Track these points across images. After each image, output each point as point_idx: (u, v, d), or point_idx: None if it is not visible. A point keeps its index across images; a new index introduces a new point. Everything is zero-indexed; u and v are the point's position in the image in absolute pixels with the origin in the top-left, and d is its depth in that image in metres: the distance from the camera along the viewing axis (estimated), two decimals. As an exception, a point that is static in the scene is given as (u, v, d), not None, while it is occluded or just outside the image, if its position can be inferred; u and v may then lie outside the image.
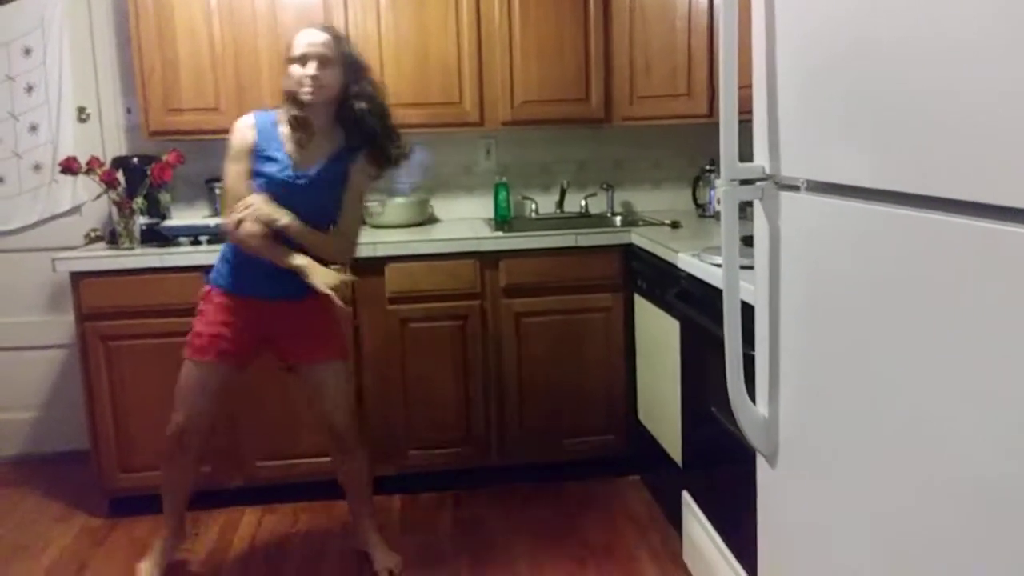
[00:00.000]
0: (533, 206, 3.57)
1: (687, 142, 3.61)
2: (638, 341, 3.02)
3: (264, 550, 2.74)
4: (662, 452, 2.77)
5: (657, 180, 3.69)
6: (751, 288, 1.70)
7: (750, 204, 1.65)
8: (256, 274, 2.34)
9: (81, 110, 3.42)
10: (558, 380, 3.08)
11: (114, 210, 3.02)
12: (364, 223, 2.68)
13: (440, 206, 3.58)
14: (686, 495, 2.49)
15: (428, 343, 3.00)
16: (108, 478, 2.94)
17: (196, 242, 2.94)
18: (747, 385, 1.63)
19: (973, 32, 0.99)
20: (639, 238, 2.95)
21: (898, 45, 1.15)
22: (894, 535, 1.22)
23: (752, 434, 1.65)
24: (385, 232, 3.18)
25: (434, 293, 2.98)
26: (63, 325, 3.36)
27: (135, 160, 3.11)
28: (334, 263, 2.39)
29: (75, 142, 3.36)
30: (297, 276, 2.30)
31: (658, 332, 2.75)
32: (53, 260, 2.83)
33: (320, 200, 2.34)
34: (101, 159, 3.02)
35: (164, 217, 3.15)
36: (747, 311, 1.66)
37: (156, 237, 2.97)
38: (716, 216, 3.32)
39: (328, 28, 2.34)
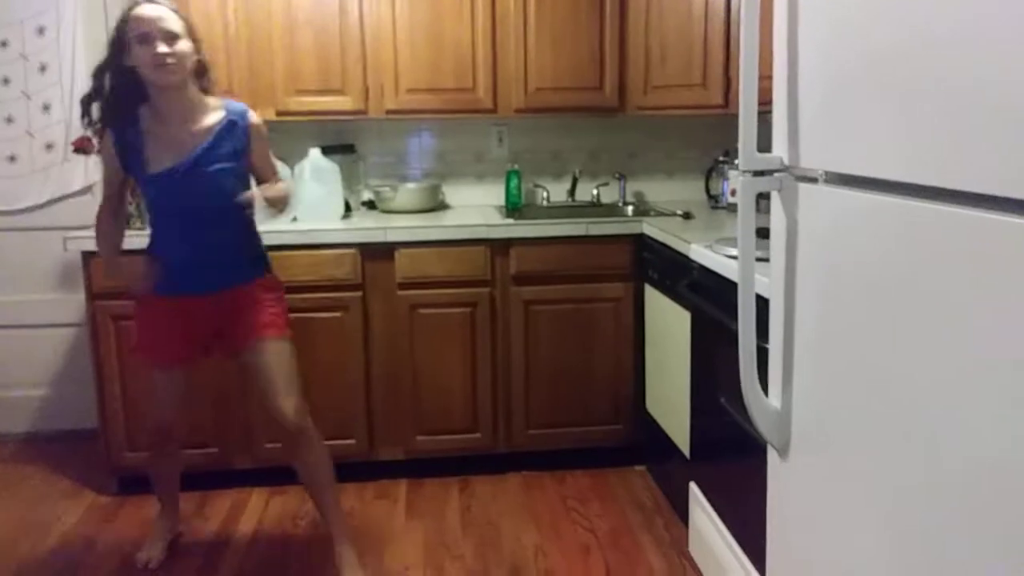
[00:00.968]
0: (545, 194, 3.56)
1: (701, 133, 3.59)
2: (648, 331, 3.02)
3: (271, 532, 2.76)
4: (670, 443, 2.77)
5: (670, 170, 3.67)
6: (765, 280, 1.69)
7: (766, 196, 1.64)
8: (176, 270, 2.25)
9: (94, 90, 3.42)
10: (566, 368, 3.08)
11: (126, 190, 3.02)
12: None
13: (451, 192, 3.58)
14: (693, 486, 2.49)
15: (437, 329, 3.00)
16: (117, 456, 2.96)
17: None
18: (759, 377, 1.63)
19: (1006, 21, 0.98)
20: (651, 228, 2.94)
21: (926, 35, 1.14)
22: (905, 529, 1.22)
23: (764, 426, 1.65)
24: (396, 218, 3.18)
25: (444, 279, 2.97)
26: (74, 304, 3.38)
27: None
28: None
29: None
30: (220, 268, 2.26)
31: (668, 323, 2.74)
32: (64, 239, 2.84)
33: (202, 188, 2.18)
34: (114, 139, 3.02)
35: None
36: (759, 304, 1.66)
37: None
38: (729, 208, 3.31)
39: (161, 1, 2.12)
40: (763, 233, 1.66)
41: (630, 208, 3.51)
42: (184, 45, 2.10)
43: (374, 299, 2.97)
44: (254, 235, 2.39)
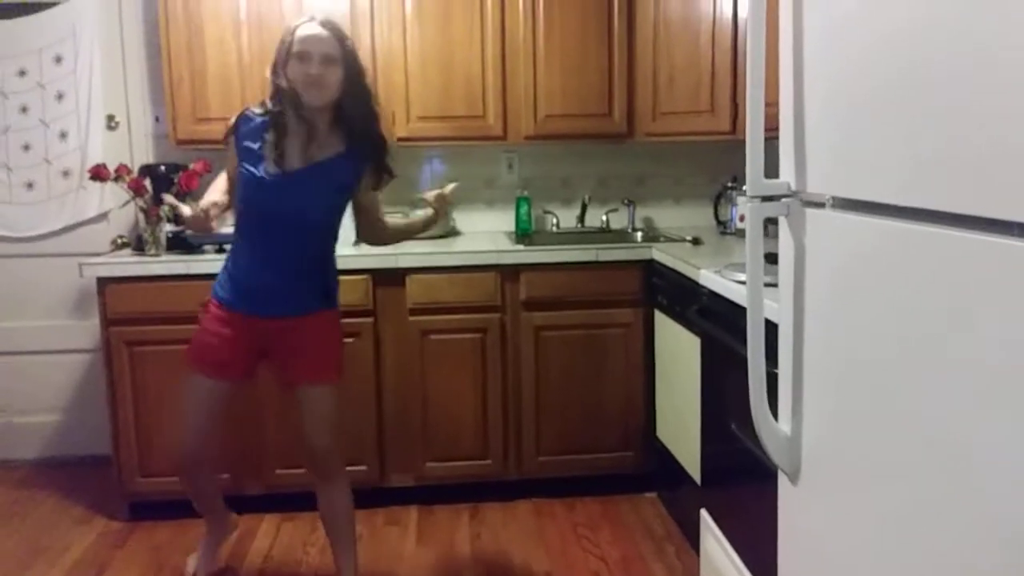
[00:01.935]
0: (554, 220, 3.58)
1: (709, 159, 3.61)
2: (658, 357, 3.02)
3: (280, 559, 2.75)
4: (680, 469, 2.75)
5: (678, 196, 3.69)
6: (774, 306, 1.69)
7: (774, 221, 1.64)
8: (250, 288, 2.27)
9: (110, 118, 3.47)
10: (576, 394, 3.07)
11: (141, 217, 3.06)
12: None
13: (462, 219, 3.60)
14: (704, 513, 2.47)
15: (448, 355, 3.01)
16: (129, 482, 2.96)
17: (221, 250, 2.97)
18: (769, 403, 1.63)
19: (1009, 48, 0.99)
20: (660, 254, 2.95)
21: (931, 62, 1.15)
22: (918, 556, 1.21)
23: (774, 452, 1.64)
24: (407, 244, 3.18)
25: (455, 305, 2.99)
26: (88, 330, 3.40)
27: (162, 168, 3.15)
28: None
29: (104, 149, 3.41)
30: (292, 294, 2.28)
31: (678, 348, 2.74)
32: (80, 265, 2.87)
33: (299, 202, 2.21)
34: (129, 167, 3.07)
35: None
36: (768, 329, 1.66)
37: (182, 245, 3.00)
38: (737, 233, 3.31)
39: (330, 25, 2.19)
40: (772, 258, 1.67)
41: (639, 234, 3.52)
42: (337, 72, 2.16)
43: (385, 325, 2.98)
44: (333, 267, 2.40)
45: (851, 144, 1.37)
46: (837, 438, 1.45)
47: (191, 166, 2.96)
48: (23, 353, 3.53)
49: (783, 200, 1.58)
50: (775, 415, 1.65)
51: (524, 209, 3.45)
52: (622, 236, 3.51)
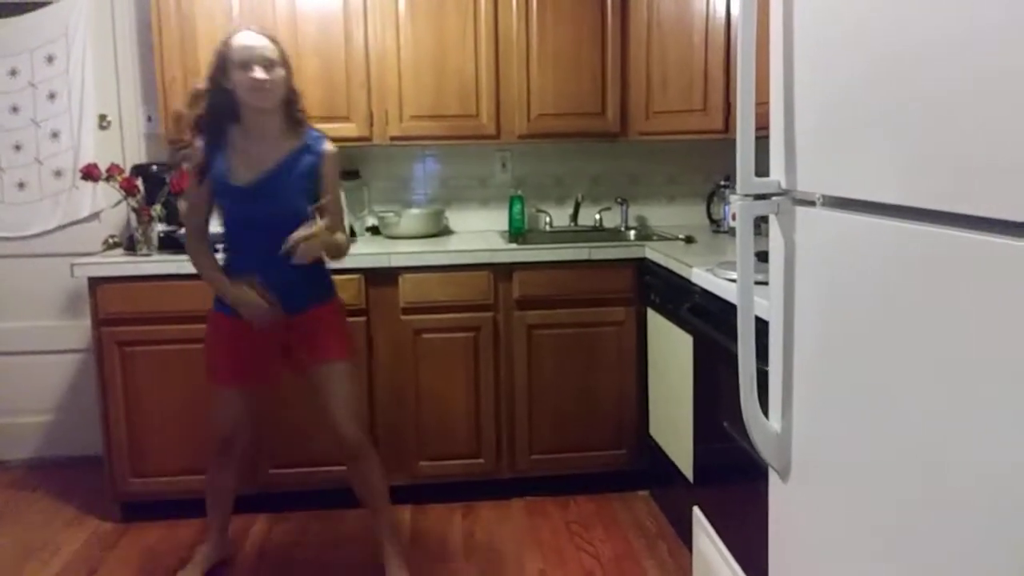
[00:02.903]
0: (547, 219, 3.59)
1: (702, 158, 3.61)
2: (650, 355, 3.02)
3: (272, 559, 2.75)
4: (673, 467, 2.76)
5: (671, 195, 3.69)
6: (765, 303, 1.70)
7: (765, 219, 1.65)
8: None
9: (102, 118, 3.46)
10: (569, 393, 3.08)
11: (133, 217, 3.04)
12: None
13: (455, 218, 3.60)
14: (696, 511, 2.48)
15: (440, 354, 3.01)
16: (120, 483, 2.95)
17: (213, 250, 2.96)
18: (760, 400, 1.63)
19: (999, 45, 1.00)
20: (653, 252, 2.95)
21: (920, 59, 1.15)
22: (908, 551, 1.22)
23: (765, 449, 1.65)
24: (399, 243, 3.20)
25: (447, 304, 2.99)
26: (79, 330, 3.39)
27: (154, 168, 3.15)
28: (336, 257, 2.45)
29: (96, 149, 3.39)
30: (294, 287, 2.34)
31: (671, 347, 2.74)
32: (71, 265, 2.86)
33: (275, 204, 2.30)
34: (121, 166, 3.06)
35: (182, 225, 3.17)
36: (760, 326, 1.66)
37: (174, 244, 2.99)
38: (730, 232, 3.32)
39: (263, 31, 2.31)
40: (764, 257, 1.67)
41: (632, 232, 3.53)
42: (279, 72, 2.26)
43: (378, 324, 2.98)
44: (323, 261, 2.45)
45: (841, 142, 1.38)
46: (826, 435, 1.46)
47: (183, 166, 2.95)
48: (14, 353, 3.52)
49: (773, 198, 1.59)
50: (766, 412, 1.65)
51: (517, 208, 3.45)
52: (615, 235, 3.51)
